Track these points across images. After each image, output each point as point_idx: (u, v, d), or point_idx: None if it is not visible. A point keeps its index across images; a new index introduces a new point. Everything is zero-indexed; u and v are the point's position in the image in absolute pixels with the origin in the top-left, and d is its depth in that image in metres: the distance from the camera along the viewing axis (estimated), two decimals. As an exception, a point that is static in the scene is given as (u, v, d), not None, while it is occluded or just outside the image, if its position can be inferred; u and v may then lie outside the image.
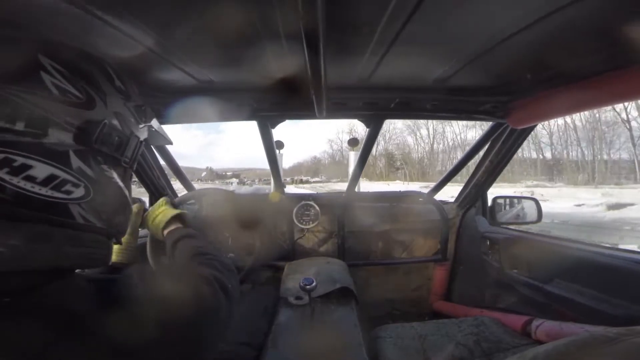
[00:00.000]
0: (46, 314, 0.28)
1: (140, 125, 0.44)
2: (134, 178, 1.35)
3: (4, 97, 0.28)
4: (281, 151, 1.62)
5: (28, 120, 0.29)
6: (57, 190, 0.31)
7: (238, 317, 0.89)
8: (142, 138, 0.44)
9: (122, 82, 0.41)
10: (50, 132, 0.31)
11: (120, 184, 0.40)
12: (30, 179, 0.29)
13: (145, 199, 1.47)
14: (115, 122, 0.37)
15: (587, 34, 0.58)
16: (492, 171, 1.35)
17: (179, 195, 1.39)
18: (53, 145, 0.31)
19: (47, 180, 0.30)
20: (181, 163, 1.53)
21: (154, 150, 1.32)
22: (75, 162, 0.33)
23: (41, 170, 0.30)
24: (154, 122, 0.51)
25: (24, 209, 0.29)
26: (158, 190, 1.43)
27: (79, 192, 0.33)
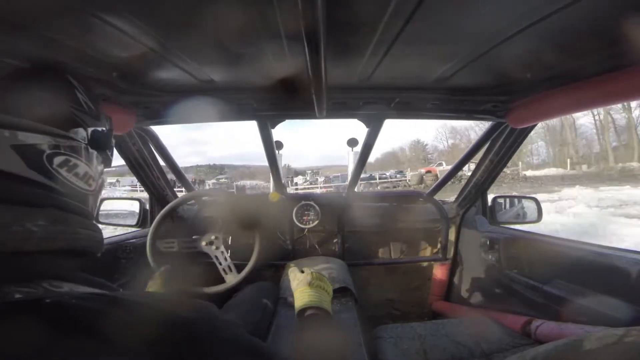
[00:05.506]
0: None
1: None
2: (134, 179, 1.36)
3: (68, 113, 0.39)
4: (280, 151, 1.62)
5: (78, 128, 0.39)
6: (87, 184, 0.40)
7: (237, 317, 0.89)
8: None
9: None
10: (85, 137, 0.40)
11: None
12: (77, 175, 0.38)
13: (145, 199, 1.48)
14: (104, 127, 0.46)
15: (587, 34, 0.58)
16: (492, 171, 1.35)
17: (179, 195, 1.39)
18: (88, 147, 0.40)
19: (85, 176, 0.40)
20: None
21: (154, 150, 1.32)
22: (95, 161, 0.42)
23: (82, 168, 0.39)
24: None
25: (67, 198, 0.36)
26: (158, 190, 1.43)
27: (95, 185, 0.42)
